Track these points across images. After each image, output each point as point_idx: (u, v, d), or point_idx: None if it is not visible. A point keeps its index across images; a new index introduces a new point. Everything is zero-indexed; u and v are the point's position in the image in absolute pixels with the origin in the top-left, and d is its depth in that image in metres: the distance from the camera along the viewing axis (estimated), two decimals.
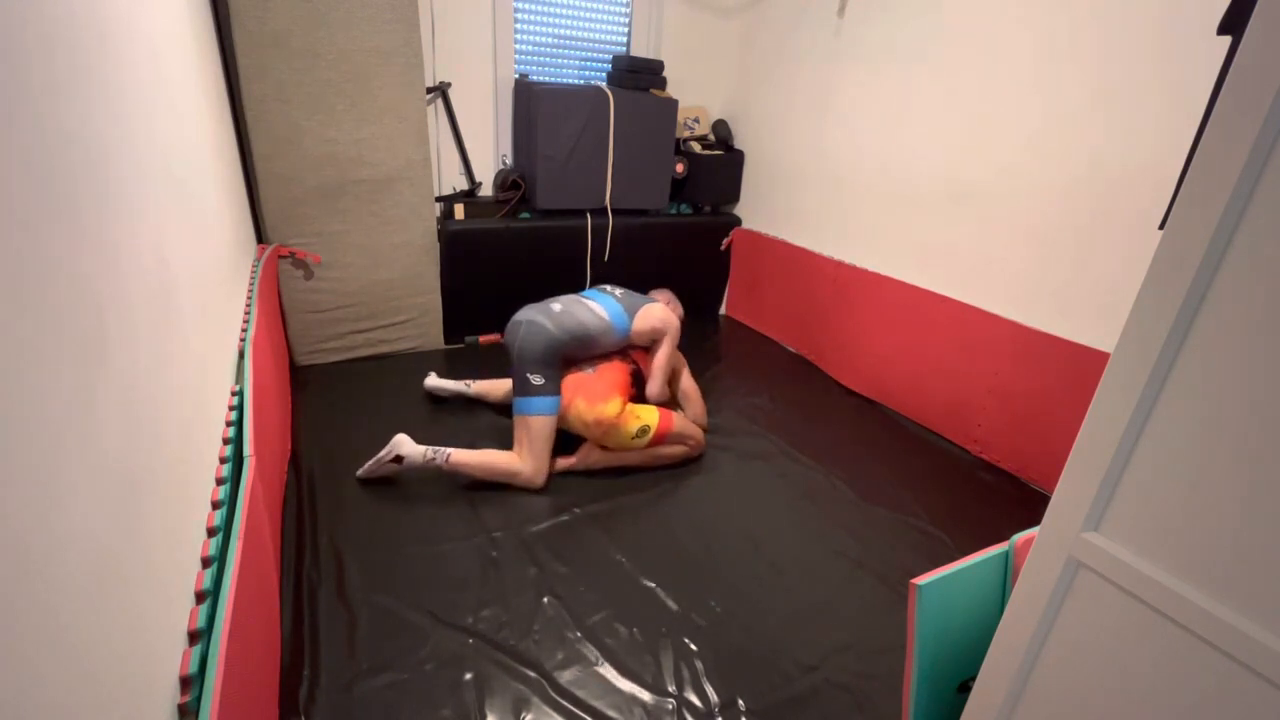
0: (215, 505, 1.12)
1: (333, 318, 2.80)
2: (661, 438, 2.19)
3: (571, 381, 2.16)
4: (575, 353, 2.20)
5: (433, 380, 2.60)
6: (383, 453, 2.01)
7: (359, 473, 2.05)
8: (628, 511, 2.05)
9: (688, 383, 2.50)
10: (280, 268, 2.61)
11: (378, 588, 1.66)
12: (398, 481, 2.07)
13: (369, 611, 1.59)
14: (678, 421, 2.24)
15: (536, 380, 2.05)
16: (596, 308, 2.26)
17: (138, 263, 0.88)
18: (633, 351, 2.41)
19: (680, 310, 2.70)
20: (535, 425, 2.04)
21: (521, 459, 2.05)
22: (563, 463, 2.20)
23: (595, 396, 2.11)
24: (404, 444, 2.01)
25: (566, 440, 2.21)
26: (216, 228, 1.63)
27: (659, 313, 2.34)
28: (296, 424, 2.36)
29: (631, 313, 2.31)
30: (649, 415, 2.18)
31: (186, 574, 0.93)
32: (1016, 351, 2.32)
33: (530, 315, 2.17)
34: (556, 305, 2.22)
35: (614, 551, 1.86)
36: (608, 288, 2.43)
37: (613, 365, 2.28)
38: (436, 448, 2.03)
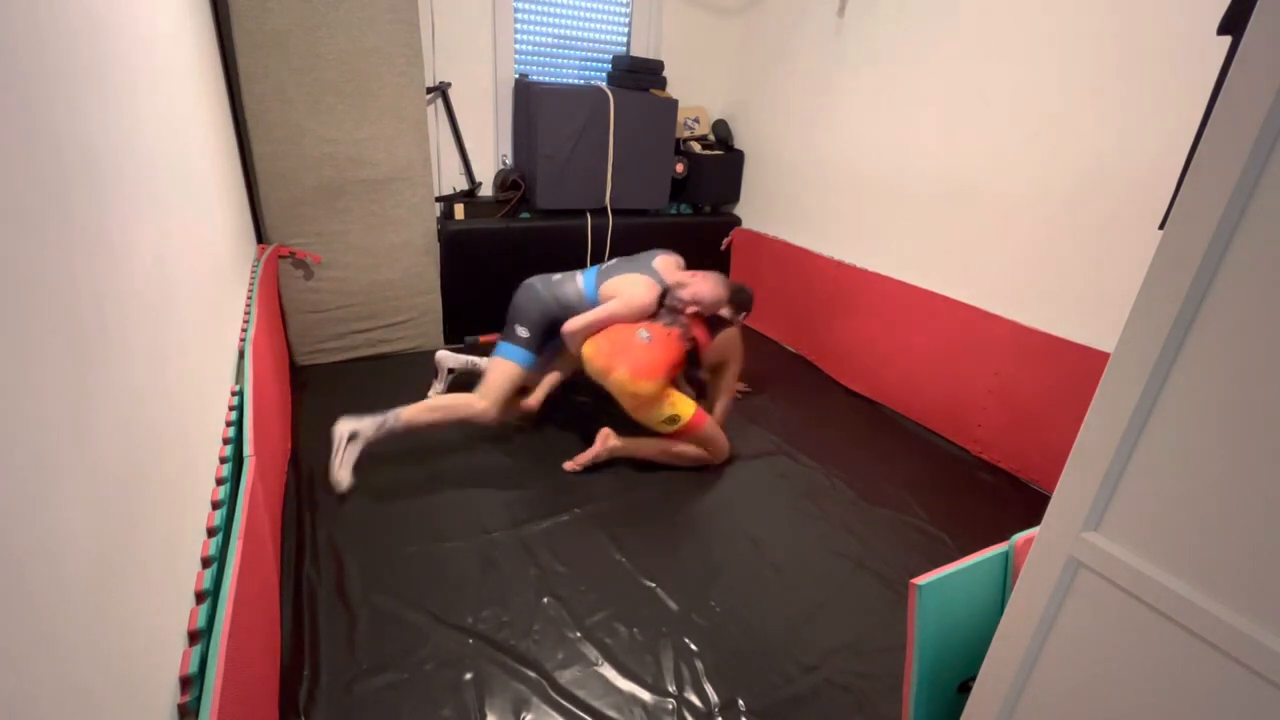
0: (215, 505, 1.12)
1: (333, 318, 2.80)
2: (687, 432, 2.19)
3: (621, 344, 2.14)
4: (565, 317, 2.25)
5: (444, 354, 2.61)
6: (335, 444, 2.02)
7: (334, 481, 1.98)
8: (628, 511, 2.05)
9: (731, 376, 2.44)
10: (280, 268, 2.61)
11: (378, 588, 1.66)
12: (397, 480, 2.07)
13: (369, 611, 1.59)
14: (709, 426, 2.23)
15: (522, 333, 2.24)
16: (580, 280, 2.35)
17: (137, 263, 0.88)
18: (692, 327, 2.27)
19: (701, 290, 2.27)
20: (504, 369, 2.20)
21: (480, 394, 2.16)
22: (580, 458, 2.20)
23: (639, 371, 2.09)
24: (347, 420, 2.04)
25: (579, 438, 2.21)
26: (216, 228, 1.63)
27: (623, 283, 2.26)
28: (296, 424, 2.36)
29: (602, 280, 2.31)
30: (684, 407, 2.17)
31: (186, 574, 0.93)
32: (1016, 351, 2.32)
33: (532, 280, 2.36)
34: (556, 276, 2.38)
35: (614, 551, 1.86)
36: (614, 261, 2.41)
37: (671, 338, 2.20)
38: (385, 412, 2.06)
